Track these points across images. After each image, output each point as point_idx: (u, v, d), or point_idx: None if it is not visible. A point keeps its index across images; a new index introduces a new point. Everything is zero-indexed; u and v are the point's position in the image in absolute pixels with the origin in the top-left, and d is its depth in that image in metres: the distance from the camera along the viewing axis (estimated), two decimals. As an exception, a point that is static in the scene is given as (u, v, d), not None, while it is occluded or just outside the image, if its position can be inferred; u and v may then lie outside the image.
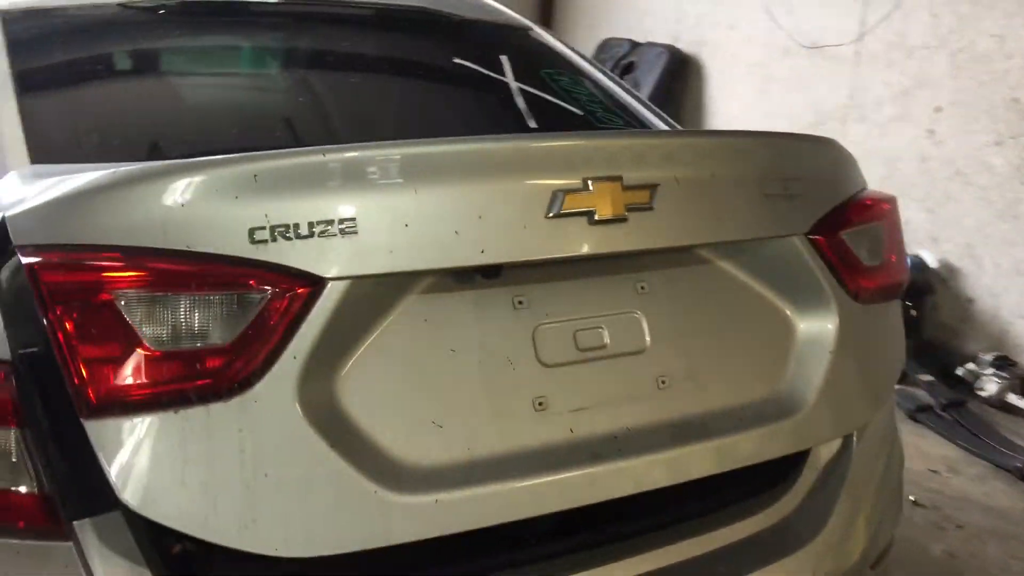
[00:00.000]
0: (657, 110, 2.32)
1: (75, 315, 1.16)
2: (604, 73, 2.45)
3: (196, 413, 1.18)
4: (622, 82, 2.45)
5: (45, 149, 1.61)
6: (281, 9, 2.42)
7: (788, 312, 1.61)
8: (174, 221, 1.17)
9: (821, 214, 1.59)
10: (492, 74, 2.29)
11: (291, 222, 1.18)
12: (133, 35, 2.19)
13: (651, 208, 1.38)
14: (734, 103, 6.00)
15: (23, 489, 1.23)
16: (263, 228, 1.17)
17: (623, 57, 6.56)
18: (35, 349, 1.19)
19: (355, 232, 1.21)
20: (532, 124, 2.17)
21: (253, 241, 1.17)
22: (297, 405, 1.20)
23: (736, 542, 1.57)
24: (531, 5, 7.36)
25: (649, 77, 6.25)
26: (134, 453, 1.17)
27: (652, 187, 1.38)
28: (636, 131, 2.16)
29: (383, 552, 1.26)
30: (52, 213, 1.22)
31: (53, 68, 1.98)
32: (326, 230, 1.20)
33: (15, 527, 1.23)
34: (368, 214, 1.22)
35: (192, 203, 1.18)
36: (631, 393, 1.46)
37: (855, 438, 1.75)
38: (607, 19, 7.06)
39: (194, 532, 1.19)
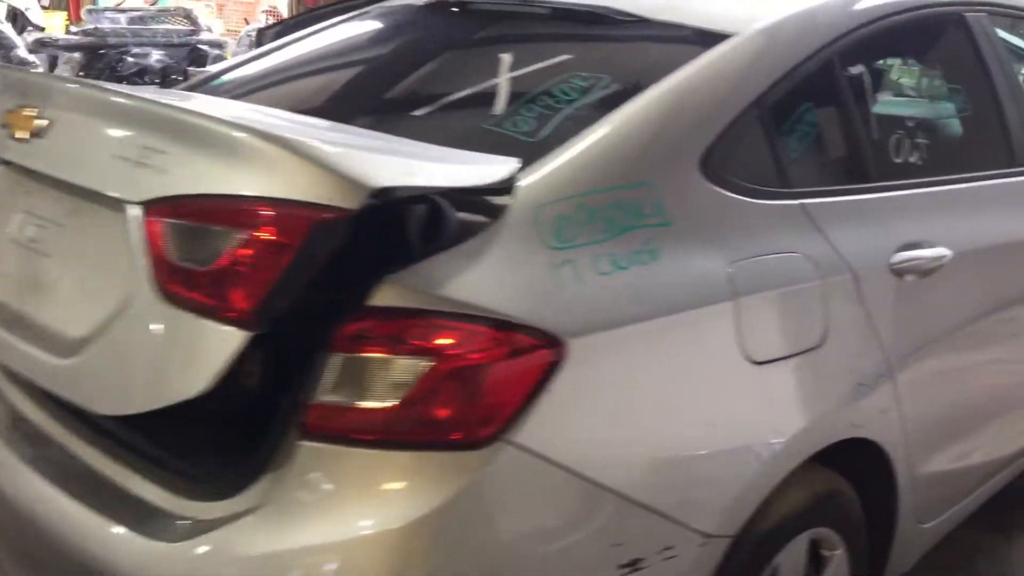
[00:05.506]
0: None
1: None
2: None
3: None
4: None
5: None
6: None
7: (120, 281, 1.47)
8: None
9: (166, 192, 1.39)
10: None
11: None
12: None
13: (43, 138, 1.60)
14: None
15: None
16: None
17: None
18: None
19: None
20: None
21: None
22: None
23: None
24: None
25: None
26: None
27: (48, 121, 1.60)
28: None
29: None
30: None
31: None
32: None
33: None
34: None
35: None
36: (26, 279, 1.71)
37: None
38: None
39: None
